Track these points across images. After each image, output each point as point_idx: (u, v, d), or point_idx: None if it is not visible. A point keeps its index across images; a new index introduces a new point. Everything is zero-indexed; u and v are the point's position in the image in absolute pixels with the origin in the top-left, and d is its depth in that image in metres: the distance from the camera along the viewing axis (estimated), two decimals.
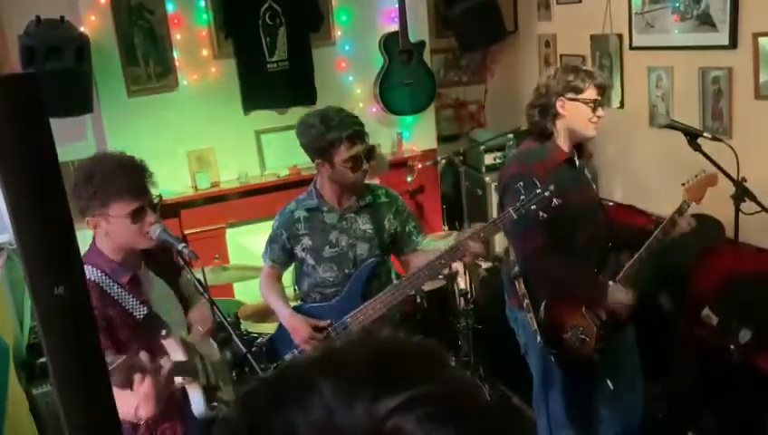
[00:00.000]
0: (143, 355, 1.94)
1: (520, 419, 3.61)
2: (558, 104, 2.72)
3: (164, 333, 2.06)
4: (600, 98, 2.74)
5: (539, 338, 2.77)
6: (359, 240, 2.79)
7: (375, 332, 0.65)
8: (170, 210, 4.15)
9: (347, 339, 0.62)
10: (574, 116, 2.73)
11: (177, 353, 2.08)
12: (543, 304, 2.75)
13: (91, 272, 2.12)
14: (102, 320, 2.07)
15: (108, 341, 2.05)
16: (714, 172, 2.88)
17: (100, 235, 2.16)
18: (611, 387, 2.77)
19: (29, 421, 3.21)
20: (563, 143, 2.77)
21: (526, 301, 2.77)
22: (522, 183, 2.58)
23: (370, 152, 2.75)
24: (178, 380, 2.09)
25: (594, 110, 2.73)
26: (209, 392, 2.19)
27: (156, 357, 2.00)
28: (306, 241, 2.80)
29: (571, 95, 2.71)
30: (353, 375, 0.56)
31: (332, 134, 2.62)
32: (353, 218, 2.80)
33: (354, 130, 2.65)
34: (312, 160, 2.76)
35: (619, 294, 2.76)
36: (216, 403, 2.18)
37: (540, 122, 2.78)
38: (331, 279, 2.79)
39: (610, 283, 2.77)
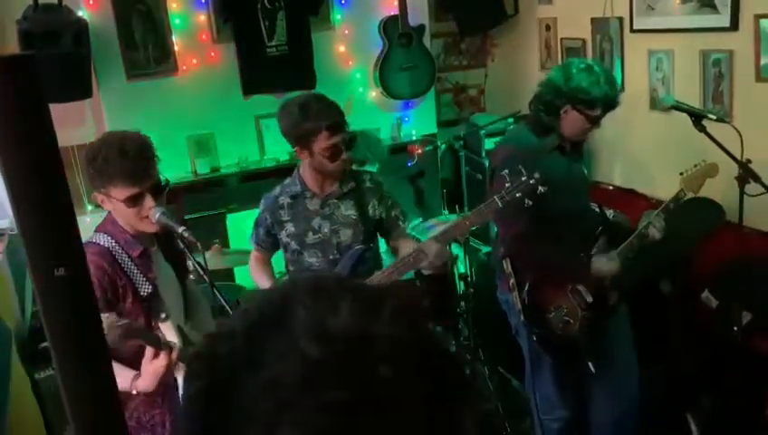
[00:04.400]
0: (161, 328, 1.98)
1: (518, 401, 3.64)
2: (562, 109, 2.67)
3: (163, 316, 2.08)
4: (603, 115, 2.68)
5: (522, 317, 2.76)
6: (341, 226, 2.79)
7: None
8: (170, 195, 4.14)
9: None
10: (572, 125, 2.70)
11: (172, 339, 2.09)
12: (528, 283, 2.74)
13: (105, 240, 2.17)
14: (110, 287, 2.10)
15: (110, 310, 2.07)
16: (714, 162, 2.82)
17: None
18: (593, 371, 2.75)
19: (32, 405, 3.23)
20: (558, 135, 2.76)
21: (512, 280, 2.76)
22: (507, 170, 2.55)
23: (350, 142, 2.73)
24: None
25: (593, 124, 2.69)
26: None
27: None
28: (290, 227, 2.81)
29: (581, 107, 2.64)
30: (328, 289, 0.62)
31: (311, 123, 2.60)
32: (336, 204, 2.79)
33: (333, 120, 2.62)
34: (292, 147, 2.75)
35: (603, 265, 2.75)
36: None
37: (543, 118, 2.73)
38: (317, 265, 2.80)
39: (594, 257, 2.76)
